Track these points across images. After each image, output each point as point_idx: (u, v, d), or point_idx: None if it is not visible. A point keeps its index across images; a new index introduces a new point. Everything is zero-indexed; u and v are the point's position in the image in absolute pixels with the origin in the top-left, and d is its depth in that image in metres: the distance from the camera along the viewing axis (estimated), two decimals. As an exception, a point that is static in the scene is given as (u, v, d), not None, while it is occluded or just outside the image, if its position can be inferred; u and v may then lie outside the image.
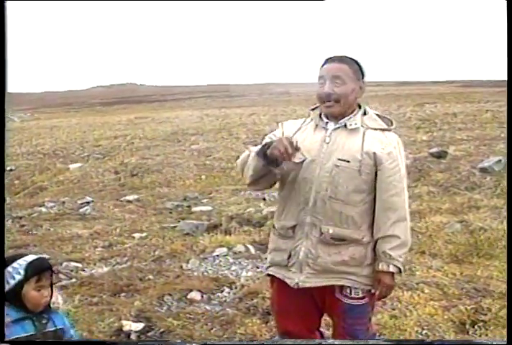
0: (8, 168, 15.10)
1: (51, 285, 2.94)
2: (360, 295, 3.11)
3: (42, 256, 3.63)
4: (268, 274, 3.31)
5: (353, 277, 3.08)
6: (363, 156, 2.97)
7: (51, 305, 2.97)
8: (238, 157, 3.26)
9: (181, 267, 6.37)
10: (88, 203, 10.45)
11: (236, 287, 5.56)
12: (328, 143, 3.03)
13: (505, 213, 8.00)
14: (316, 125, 3.12)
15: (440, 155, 12.60)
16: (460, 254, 6.54)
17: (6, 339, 2.74)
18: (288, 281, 3.12)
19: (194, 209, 9.51)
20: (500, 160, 11.23)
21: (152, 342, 4.42)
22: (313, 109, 3.19)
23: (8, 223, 8.85)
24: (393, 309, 4.94)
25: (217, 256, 6.65)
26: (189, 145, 17.51)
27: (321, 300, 3.18)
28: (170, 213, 9.47)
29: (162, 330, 4.64)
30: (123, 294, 5.50)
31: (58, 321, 2.94)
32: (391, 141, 3.05)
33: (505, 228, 7.20)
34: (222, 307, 5.18)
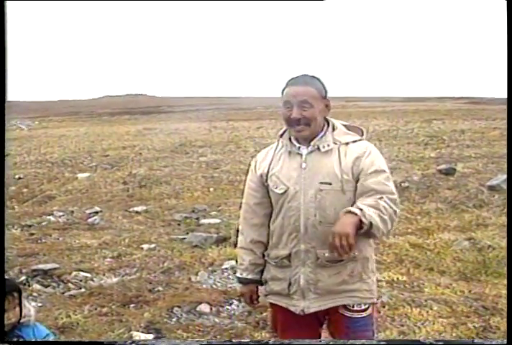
0: (16, 176, 15.16)
1: (20, 304, 3.02)
2: (363, 307, 3.11)
3: (6, 278, 3.62)
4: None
5: (355, 294, 3.09)
6: (343, 175, 2.97)
7: (21, 321, 3.04)
8: (246, 171, 3.29)
9: (190, 279, 6.40)
10: (96, 213, 10.51)
11: (245, 301, 5.58)
12: (305, 169, 3.03)
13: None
14: (289, 151, 3.11)
15: (448, 172, 12.61)
16: (468, 271, 6.54)
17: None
18: (292, 308, 3.13)
19: (202, 221, 9.53)
20: (508, 178, 11.25)
21: (150, 341, 4.44)
22: (281, 135, 3.17)
23: (17, 231, 8.90)
24: (402, 325, 4.97)
25: (226, 269, 6.68)
26: (197, 157, 17.56)
27: (323, 317, 3.21)
28: (179, 224, 9.50)
29: (171, 342, 4.66)
30: (132, 305, 5.55)
31: (27, 336, 3.00)
32: (365, 150, 3.02)
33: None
34: (231, 320, 5.21)
